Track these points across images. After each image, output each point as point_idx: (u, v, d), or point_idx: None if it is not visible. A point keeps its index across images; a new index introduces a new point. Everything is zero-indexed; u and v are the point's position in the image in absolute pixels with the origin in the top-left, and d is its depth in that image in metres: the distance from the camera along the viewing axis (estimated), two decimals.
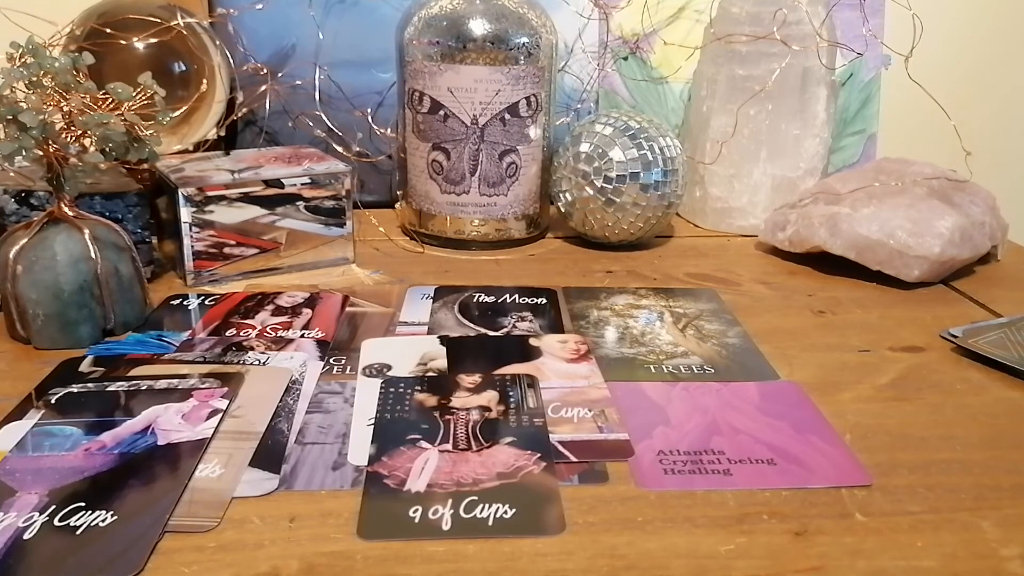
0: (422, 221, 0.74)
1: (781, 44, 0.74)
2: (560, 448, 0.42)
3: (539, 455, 0.41)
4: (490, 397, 0.47)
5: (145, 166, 0.64)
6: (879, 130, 0.91)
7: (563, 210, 0.74)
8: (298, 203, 0.64)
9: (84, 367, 0.49)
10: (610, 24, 0.86)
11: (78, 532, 0.35)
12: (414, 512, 0.37)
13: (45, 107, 0.48)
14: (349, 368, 0.50)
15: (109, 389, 0.46)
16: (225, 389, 0.46)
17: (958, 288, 0.66)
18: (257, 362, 0.50)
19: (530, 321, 0.57)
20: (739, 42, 0.75)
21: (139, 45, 0.72)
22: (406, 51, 0.70)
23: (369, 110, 0.82)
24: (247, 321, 0.56)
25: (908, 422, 0.46)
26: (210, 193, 0.61)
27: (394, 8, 0.81)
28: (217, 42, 0.74)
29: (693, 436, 0.44)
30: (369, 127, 0.82)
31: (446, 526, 0.36)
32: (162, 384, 0.47)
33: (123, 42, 0.70)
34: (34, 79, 0.49)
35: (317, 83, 0.81)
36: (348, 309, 0.59)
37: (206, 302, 0.59)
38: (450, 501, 0.37)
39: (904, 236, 0.64)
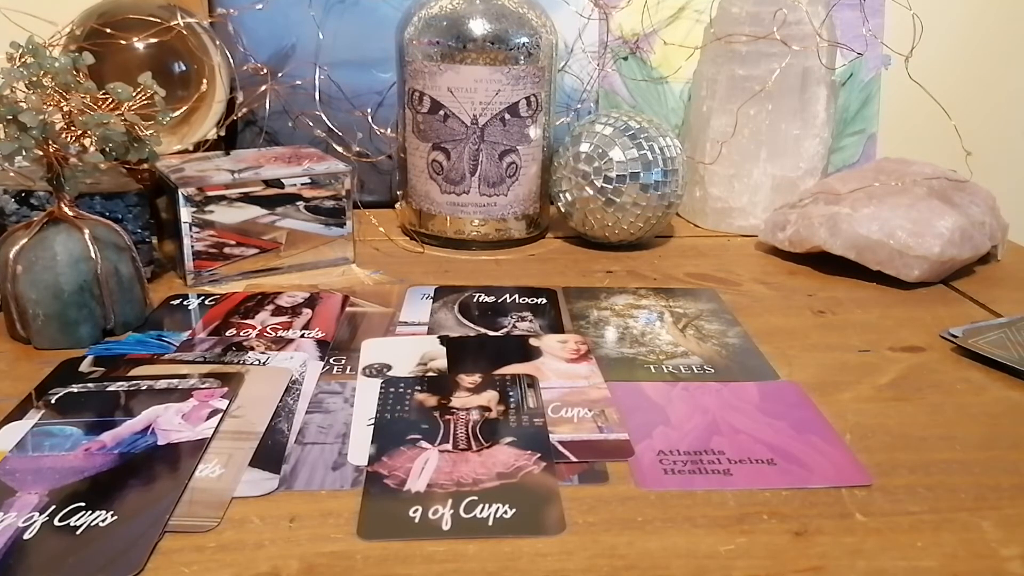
0: (422, 221, 0.74)
1: (781, 44, 0.74)
2: (560, 448, 0.42)
3: (539, 455, 0.41)
4: (490, 397, 0.47)
5: (145, 166, 0.64)
6: (879, 130, 0.91)
7: (563, 210, 0.74)
8: (298, 203, 0.64)
9: (84, 367, 0.49)
10: (610, 24, 0.86)
11: (78, 532, 0.35)
12: (414, 512, 0.37)
13: (45, 107, 0.48)
14: (349, 368, 0.50)
15: (109, 389, 0.46)
16: (225, 389, 0.46)
17: (958, 288, 0.66)
18: (257, 362, 0.50)
19: (530, 321, 0.57)
20: (739, 42, 0.75)
21: (139, 45, 0.72)
22: (406, 51, 0.70)
23: (369, 110, 0.82)
24: (247, 321, 0.56)
25: (908, 422, 0.46)
26: (210, 193, 0.61)
27: (394, 8, 0.81)
28: (217, 42, 0.74)
29: (693, 436, 0.44)
30: (369, 127, 0.82)
31: (446, 526, 0.36)
32: (162, 384, 0.47)
33: (123, 42, 0.70)
34: (34, 79, 0.49)
35: (317, 83, 0.81)
36: (348, 309, 0.59)
37: (206, 302, 0.59)
38: (450, 501, 0.37)
39: (904, 236, 0.64)
